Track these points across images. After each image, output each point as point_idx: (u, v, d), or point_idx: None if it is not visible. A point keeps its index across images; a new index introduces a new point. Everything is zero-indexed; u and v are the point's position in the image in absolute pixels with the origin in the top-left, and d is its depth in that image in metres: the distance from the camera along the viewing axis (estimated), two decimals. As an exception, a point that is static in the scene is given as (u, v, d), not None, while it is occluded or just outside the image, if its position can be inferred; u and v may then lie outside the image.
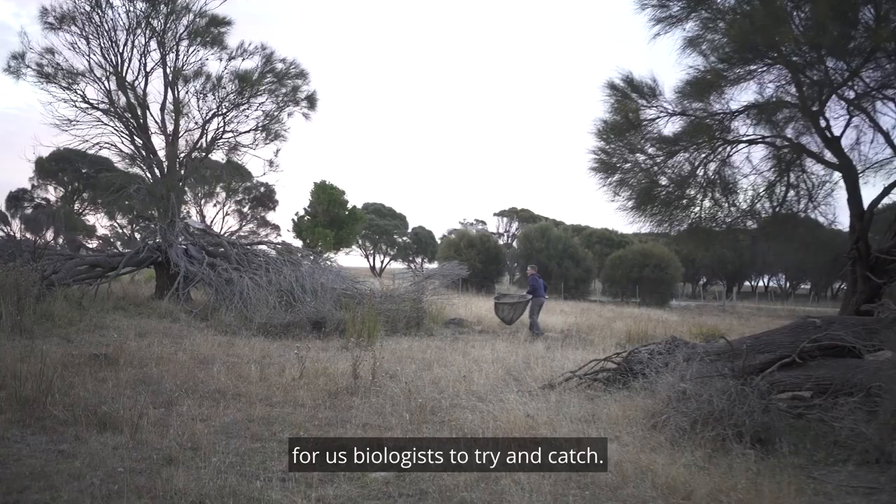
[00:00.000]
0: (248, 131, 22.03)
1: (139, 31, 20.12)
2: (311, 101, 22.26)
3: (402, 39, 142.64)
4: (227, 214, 51.02)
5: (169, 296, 17.67)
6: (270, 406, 8.71)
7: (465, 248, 45.55)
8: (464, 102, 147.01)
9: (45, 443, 6.67)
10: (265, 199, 60.84)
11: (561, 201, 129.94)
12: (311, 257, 20.48)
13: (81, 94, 20.18)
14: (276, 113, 21.82)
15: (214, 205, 51.14)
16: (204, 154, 21.50)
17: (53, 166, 50.87)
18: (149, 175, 20.95)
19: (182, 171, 21.18)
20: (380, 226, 69.01)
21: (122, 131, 20.51)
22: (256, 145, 22.25)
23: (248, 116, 21.82)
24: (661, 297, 42.94)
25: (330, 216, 35.95)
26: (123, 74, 20.29)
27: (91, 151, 20.63)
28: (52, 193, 52.27)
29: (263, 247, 22.13)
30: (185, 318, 16.28)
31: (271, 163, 22.52)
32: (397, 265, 72.93)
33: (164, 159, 20.79)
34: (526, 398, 9.49)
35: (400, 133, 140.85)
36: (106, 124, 20.33)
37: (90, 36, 20.07)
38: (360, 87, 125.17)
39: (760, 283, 72.16)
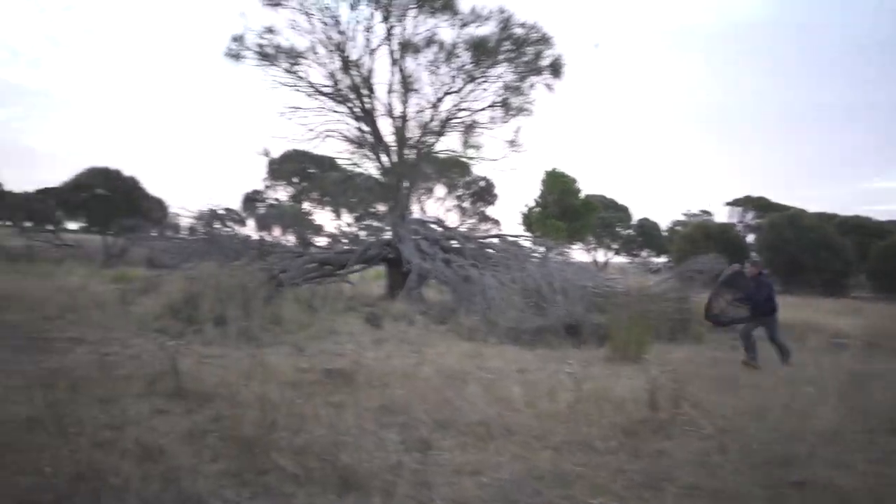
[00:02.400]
0: (485, 108, 19.80)
1: (363, 2, 18.58)
2: (556, 68, 19.46)
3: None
4: (447, 210, 50.02)
5: (402, 295, 16.00)
6: (554, 450, 6.47)
7: (702, 241, 41.63)
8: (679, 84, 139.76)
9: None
10: (485, 193, 59.60)
11: (797, 186, 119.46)
12: (555, 251, 18.09)
13: (304, 76, 19.04)
14: (516, 83, 19.44)
15: (435, 201, 50.29)
16: (436, 138, 19.62)
17: (283, 167, 52.29)
18: (376, 165, 19.44)
19: (413, 157, 19.40)
20: (602, 218, 65.67)
21: (347, 116, 19.15)
22: (494, 124, 19.95)
23: (485, 90, 19.62)
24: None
25: (562, 207, 33.54)
26: (347, 53, 18.89)
27: (316, 140, 19.24)
28: (282, 193, 53.75)
29: (497, 240, 19.85)
30: (422, 321, 14.50)
31: (512, 142, 19.93)
32: (620, 259, 69.41)
33: (392, 144, 19.21)
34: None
35: (616, 119, 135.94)
36: (331, 111, 19.03)
37: (311, 11, 18.77)
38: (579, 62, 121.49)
39: None
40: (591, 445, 6.66)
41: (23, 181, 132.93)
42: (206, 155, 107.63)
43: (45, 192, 39.96)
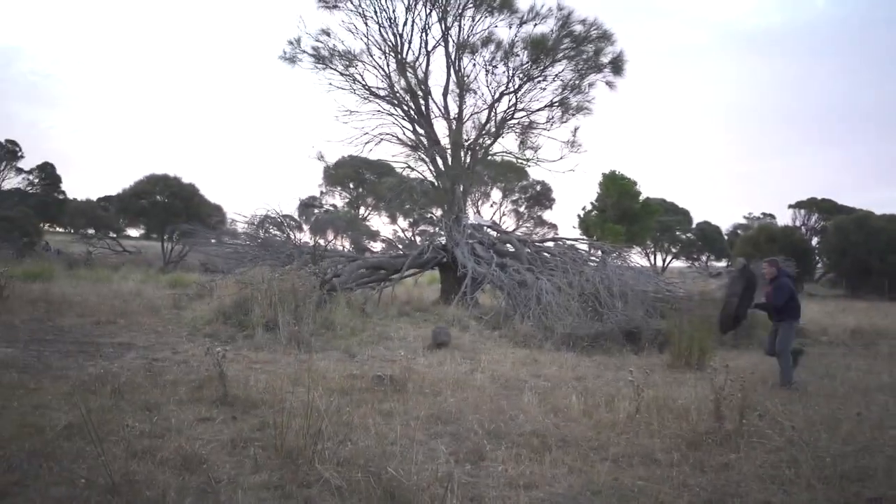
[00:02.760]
0: (543, 108, 19.21)
1: (419, 4, 18.31)
2: (617, 65, 18.88)
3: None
4: (503, 215, 49.71)
5: (456, 300, 15.66)
6: (613, 463, 6.09)
7: (765, 244, 40.42)
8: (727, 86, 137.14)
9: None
10: (542, 197, 59.10)
11: (864, 189, 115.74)
12: (614, 255, 17.53)
13: (359, 78, 18.82)
14: (575, 82, 18.80)
15: (490, 205, 50.01)
16: (493, 139, 19.16)
17: (339, 173, 52.49)
18: (431, 168, 19.10)
19: (468, 159, 19.03)
20: (662, 221, 64.45)
21: (401, 118, 18.88)
22: (552, 124, 19.36)
23: (543, 89, 19.06)
24: None
25: (620, 210, 32.79)
26: (403, 55, 18.62)
27: (371, 144, 18.96)
28: (338, 199, 54.02)
29: (553, 244, 19.32)
30: (476, 327, 14.14)
31: (572, 143, 19.28)
32: (679, 264, 67.98)
33: (447, 147, 18.84)
34: None
35: (677, 120, 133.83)
36: (386, 113, 18.79)
37: (367, 13, 18.60)
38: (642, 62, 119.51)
39: None
40: (653, 458, 6.28)
41: (85, 189, 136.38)
42: (264, 161, 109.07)
43: (106, 200, 40.72)
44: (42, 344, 10.31)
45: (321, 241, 16.94)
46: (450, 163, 18.59)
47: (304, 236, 17.90)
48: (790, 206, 62.31)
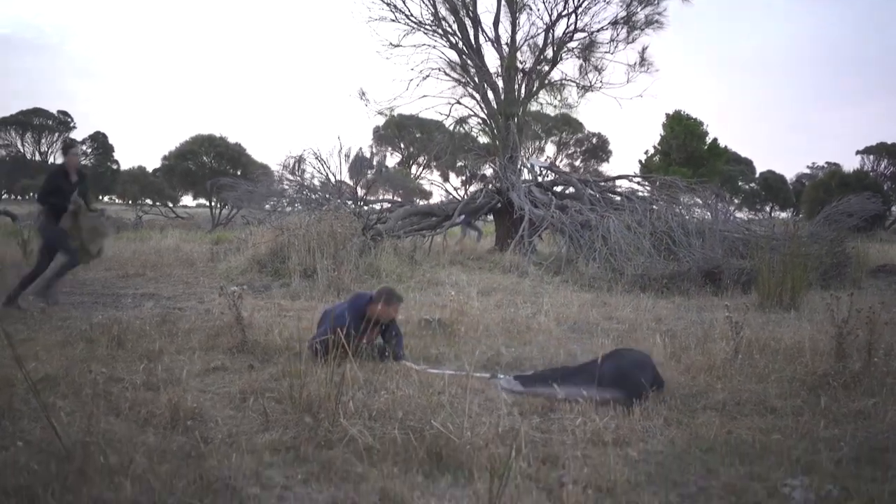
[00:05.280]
0: (605, 27, 17.07)
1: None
2: None
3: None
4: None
5: (513, 246, 14.37)
6: (718, 412, 4.83)
7: (837, 189, 38.25)
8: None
9: (328, 502, 3.29)
10: (598, 150, 57.24)
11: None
12: (685, 194, 15.89)
13: (401, 5, 17.12)
14: (643, -7, 16.62)
15: (545, 160, 48.48)
16: (550, 65, 17.43)
17: (389, 133, 51.38)
18: (482, 106, 17.52)
19: (523, 92, 17.42)
20: (724, 171, 61.89)
21: (447, 48, 17.28)
22: (616, 45, 17.20)
23: (607, 2, 16.81)
24: None
25: (686, 152, 30.90)
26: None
27: (417, 79, 17.41)
28: (389, 159, 53.00)
29: (625, 182, 17.64)
30: (535, 272, 12.86)
31: (640, 62, 17.07)
32: (741, 215, 65.43)
33: (498, 76, 17.26)
34: None
35: (740, 67, 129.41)
36: (431, 47, 17.26)
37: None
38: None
39: None
40: (768, 405, 5.02)
41: (138, 160, 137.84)
42: (313, 123, 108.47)
43: (159, 170, 40.20)
44: (56, 296, 9.33)
45: (364, 187, 15.47)
46: (502, 97, 17.04)
47: (345, 177, 16.30)
48: (858, 153, 59.51)
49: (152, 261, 13.20)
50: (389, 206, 16.81)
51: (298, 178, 15.52)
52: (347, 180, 15.59)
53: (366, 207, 15.00)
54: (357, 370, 4.92)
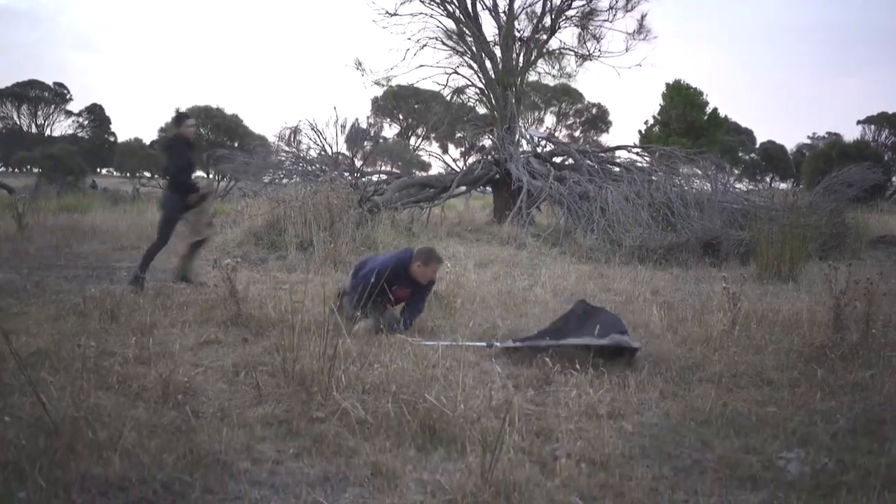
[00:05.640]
0: None
1: None
2: None
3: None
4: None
5: (511, 217, 14.28)
6: (714, 384, 4.80)
7: (837, 159, 38.03)
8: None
9: (319, 476, 3.25)
10: (598, 120, 56.94)
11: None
12: (685, 166, 15.75)
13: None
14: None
15: (544, 130, 48.18)
16: (548, 33, 17.22)
17: (388, 104, 51.02)
18: (480, 76, 17.34)
19: (521, 61, 17.19)
20: (723, 142, 61.55)
21: (444, 16, 17.05)
22: (615, 13, 16.97)
23: None
24: None
25: (686, 123, 30.67)
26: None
27: (415, 48, 17.21)
28: (388, 130, 52.69)
29: (624, 153, 17.42)
30: (533, 244, 12.80)
31: (639, 30, 16.63)
32: (741, 186, 65.19)
33: (496, 44, 17.02)
34: None
35: (739, 37, 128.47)
36: (428, 15, 17.01)
37: None
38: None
39: None
40: (765, 377, 5.01)
41: (135, 133, 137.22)
42: (311, 95, 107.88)
43: (156, 142, 39.95)
44: (50, 269, 9.28)
45: (361, 158, 15.19)
46: (500, 66, 16.86)
47: (342, 149, 16.07)
48: (859, 122, 59.14)
49: (147, 233, 13.06)
50: (386, 177, 16.65)
51: (294, 149, 15.40)
52: (345, 151, 15.40)
53: (363, 179, 14.86)
54: (350, 343, 4.88)
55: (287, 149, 15.70)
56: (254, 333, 5.80)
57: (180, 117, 8.66)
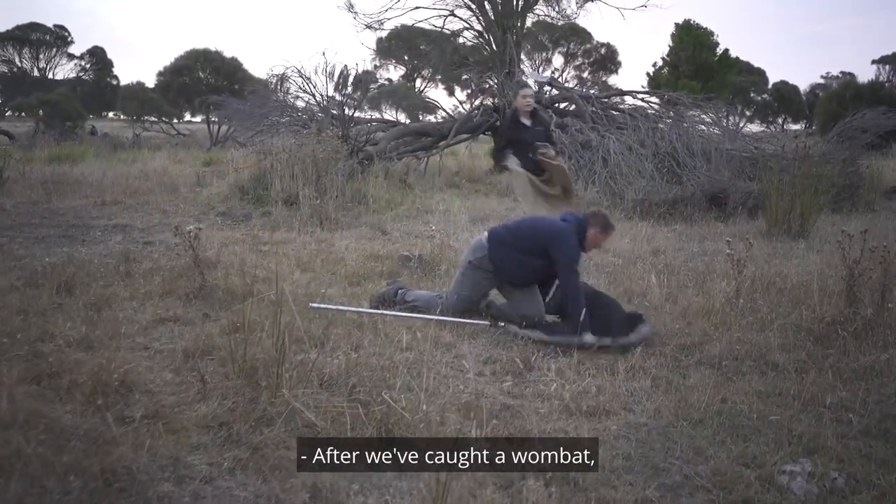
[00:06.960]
0: None
1: None
2: None
3: None
4: (566, 81, 46.80)
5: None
6: (714, 369, 4.39)
7: (850, 100, 37.04)
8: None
9: (249, 501, 2.84)
10: (607, 61, 55.58)
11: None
12: (693, 110, 15.08)
13: None
14: None
15: (552, 71, 47.16)
16: None
17: (392, 45, 49.79)
18: (480, 18, 16.61)
19: (521, 0, 16.39)
20: (735, 82, 60.17)
21: None
22: None
23: None
24: None
25: (695, 65, 29.71)
26: None
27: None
28: (393, 73, 51.58)
29: (629, 99, 16.79)
30: (532, 196, 12.25)
31: None
32: (754, 127, 64.01)
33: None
34: None
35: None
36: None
37: None
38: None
39: None
40: (769, 360, 4.56)
41: (140, 76, 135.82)
42: (310, 38, 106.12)
43: (157, 85, 39.11)
44: (22, 229, 8.80)
45: (351, 107, 14.45)
46: (499, 7, 16.13)
47: (335, 96, 15.35)
48: (873, 62, 57.83)
49: (134, 186, 12.61)
50: (380, 122, 16.04)
51: (281, 97, 14.77)
52: (338, 98, 14.75)
53: (356, 128, 14.29)
54: (309, 324, 4.44)
55: (274, 98, 15.05)
56: (218, 307, 5.35)
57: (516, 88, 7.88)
